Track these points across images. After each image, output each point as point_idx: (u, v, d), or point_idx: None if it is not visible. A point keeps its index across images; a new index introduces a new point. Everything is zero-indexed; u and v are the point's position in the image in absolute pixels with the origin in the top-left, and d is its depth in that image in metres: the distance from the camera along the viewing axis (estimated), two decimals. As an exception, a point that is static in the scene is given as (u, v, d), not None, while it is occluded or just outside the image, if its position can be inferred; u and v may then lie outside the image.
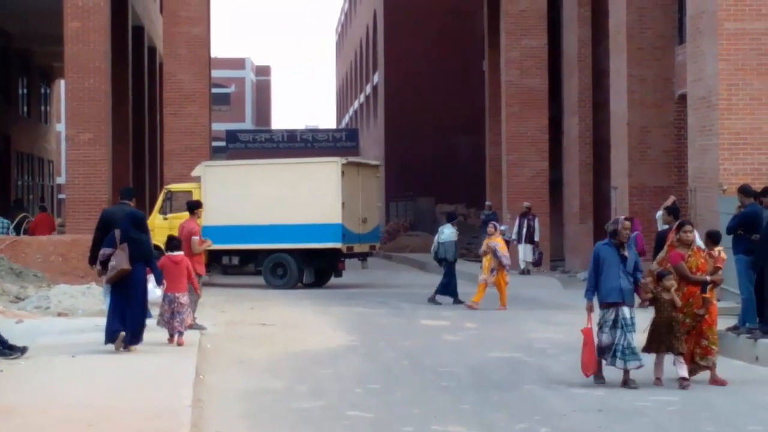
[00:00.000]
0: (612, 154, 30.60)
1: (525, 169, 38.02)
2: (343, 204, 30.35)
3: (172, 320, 16.76)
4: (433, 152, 61.63)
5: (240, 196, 30.45)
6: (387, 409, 12.60)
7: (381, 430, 11.54)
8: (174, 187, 32.79)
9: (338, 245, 30.43)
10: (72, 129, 33.96)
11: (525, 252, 34.52)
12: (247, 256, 31.42)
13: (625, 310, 14.19)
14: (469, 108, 58.68)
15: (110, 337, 15.84)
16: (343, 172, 30.56)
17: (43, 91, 61.71)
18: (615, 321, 14.15)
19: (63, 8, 33.73)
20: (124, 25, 41.25)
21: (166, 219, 31.29)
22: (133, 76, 43.93)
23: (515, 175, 38.09)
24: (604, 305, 14.29)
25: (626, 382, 14.01)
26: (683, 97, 27.15)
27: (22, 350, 14.89)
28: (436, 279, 36.20)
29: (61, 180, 62.99)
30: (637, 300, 14.68)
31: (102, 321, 17.53)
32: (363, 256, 32.41)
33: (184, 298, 16.96)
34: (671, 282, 14.44)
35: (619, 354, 14.02)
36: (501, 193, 39.46)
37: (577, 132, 36.26)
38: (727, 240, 19.43)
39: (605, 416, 12.17)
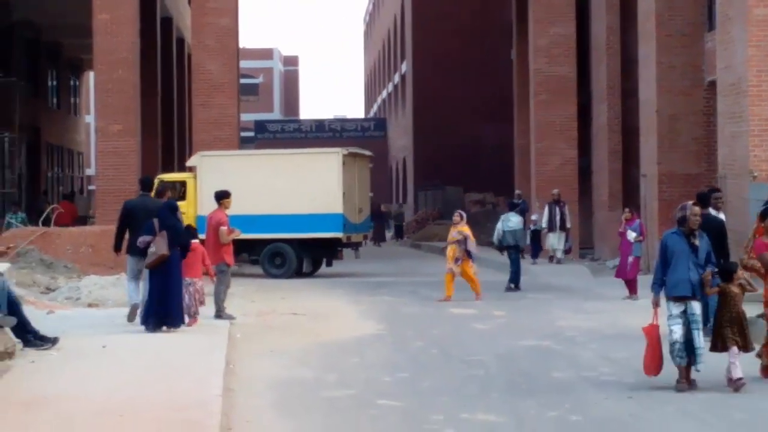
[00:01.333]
0: (641, 142, 30.49)
1: (554, 157, 37.89)
2: (343, 194, 30.42)
3: (192, 305, 17.90)
4: (462, 141, 61.59)
5: (237, 186, 30.08)
6: (416, 397, 12.61)
7: (410, 418, 11.55)
8: (167, 176, 32.65)
9: (339, 235, 30.52)
10: (101, 120, 34.09)
11: (557, 240, 33.80)
12: (243, 246, 31.04)
13: (695, 305, 13.20)
14: (497, 97, 58.56)
15: (149, 322, 16.92)
16: (343, 162, 30.61)
17: (72, 82, 61.95)
18: (683, 316, 13.14)
19: (92, 0, 33.85)
20: (153, 16, 41.38)
21: None
22: (162, 68, 44.08)
23: (544, 164, 37.98)
24: (672, 299, 13.24)
25: (682, 381, 12.99)
26: (713, 84, 27.01)
27: (53, 341, 14.96)
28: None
29: (90, 171, 63.24)
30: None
31: None
32: (357, 246, 32.61)
33: (199, 284, 18.17)
34: (738, 274, 13.57)
35: (682, 351, 13.02)
36: (530, 181, 39.36)
37: (605, 120, 36.12)
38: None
39: (636, 403, 12.14)
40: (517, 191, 39.80)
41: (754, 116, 22.86)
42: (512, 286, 26.31)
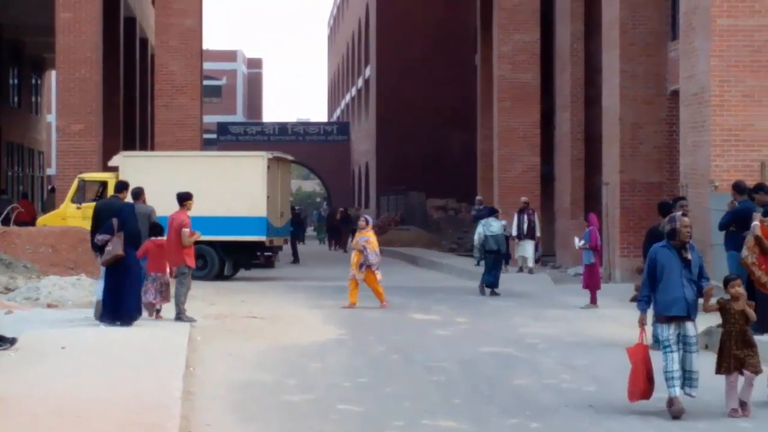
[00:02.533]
0: (604, 150, 30.58)
1: (516, 164, 38.01)
2: (267, 197, 30.40)
3: (154, 297, 18.93)
4: (425, 146, 61.69)
5: (160, 188, 29.96)
6: (377, 403, 12.58)
7: (370, 424, 11.51)
8: (87, 176, 32.48)
9: (262, 238, 30.47)
10: (62, 120, 33.93)
11: (525, 248, 32.47)
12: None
13: (689, 327, 12.11)
14: (460, 102, 58.71)
15: (105, 316, 17.80)
16: (268, 167, 30.60)
17: (34, 81, 61.59)
18: (676, 339, 12.08)
19: (55, -1, 33.66)
20: (116, 16, 41.19)
21: (79, 208, 30.87)
22: (125, 68, 43.87)
23: (506, 170, 38.07)
24: (664, 319, 12.13)
25: (672, 404, 11.92)
26: (675, 94, 27.14)
27: (12, 341, 14.83)
28: (426, 273, 36.33)
29: (51, 171, 62.86)
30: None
31: (91, 312, 18.77)
32: (278, 250, 32.65)
33: (164, 278, 19.06)
34: (739, 290, 12.35)
35: (678, 379, 12.00)
36: (492, 187, 39.43)
37: (569, 127, 36.24)
38: (718, 236, 19.47)
39: (596, 412, 12.15)
40: (478, 197, 39.89)
41: (716, 126, 22.97)
42: (493, 290, 26.43)
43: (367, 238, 23.30)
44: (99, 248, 18.32)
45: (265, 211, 30.26)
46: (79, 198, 31.25)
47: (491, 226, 26.98)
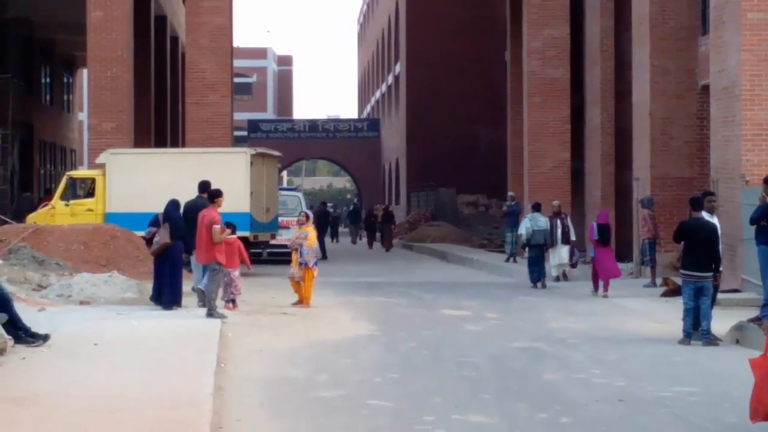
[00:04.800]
0: (634, 145, 30.51)
1: (547, 159, 37.91)
2: (251, 193, 30.41)
3: (226, 289, 20.54)
4: (455, 143, 61.66)
5: (145, 184, 30.09)
6: (407, 398, 12.61)
7: (401, 419, 11.55)
8: (76, 173, 32.64)
9: (246, 234, 30.45)
10: (94, 118, 34.08)
11: (561, 254, 29.43)
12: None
13: None
14: (490, 98, 58.68)
15: (153, 298, 20.25)
16: (251, 163, 30.62)
17: (65, 80, 61.90)
18: None
19: (86, -2, 33.81)
20: (147, 14, 41.36)
21: (67, 205, 31.05)
22: (156, 66, 44.04)
23: (537, 166, 37.99)
24: None
25: None
26: (706, 88, 27.03)
27: (45, 338, 14.94)
28: (456, 269, 36.35)
29: (83, 169, 63.14)
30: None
31: (123, 309, 19.52)
32: (264, 245, 32.60)
33: (235, 273, 20.62)
34: None
35: None
36: (523, 183, 39.38)
37: (599, 122, 36.16)
38: (749, 231, 19.42)
39: (626, 406, 12.15)
40: (510, 193, 39.80)
41: (747, 120, 22.87)
42: (543, 283, 27.31)
43: (306, 234, 22.57)
44: (148, 241, 20.49)
45: (249, 207, 30.21)
46: (67, 195, 31.46)
47: (538, 221, 27.80)
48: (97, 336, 15.92)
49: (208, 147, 33.56)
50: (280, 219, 33.30)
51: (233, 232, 20.75)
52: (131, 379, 12.54)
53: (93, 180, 31.19)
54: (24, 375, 12.79)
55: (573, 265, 29.80)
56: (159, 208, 20.71)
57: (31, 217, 31.68)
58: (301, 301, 22.32)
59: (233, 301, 20.84)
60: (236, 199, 29.61)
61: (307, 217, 23.34)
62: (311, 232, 22.85)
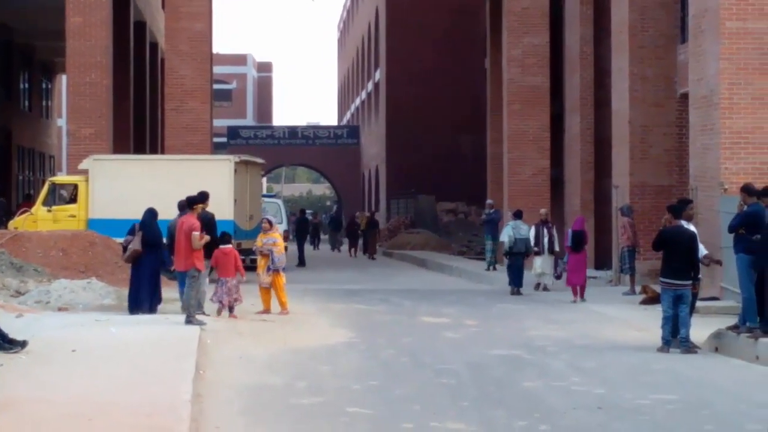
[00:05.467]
0: (613, 153, 30.59)
1: (526, 167, 37.99)
2: (234, 201, 30.40)
3: (224, 298, 20.74)
4: (435, 150, 61.69)
5: (128, 191, 30.05)
6: (386, 405, 12.60)
7: (380, 426, 11.53)
8: (58, 179, 32.65)
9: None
10: (73, 124, 34.00)
11: (544, 264, 28.52)
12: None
13: None
14: (470, 106, 58.73)
15: (129, 306, 20.40)
16: (235, 170, 30.62)
17: (44, 85, 61.72)
18: None
19: (65, 3, 33.76)
20: (126, 20, 41.25)
21: (49, 211, 31.01)
22: (135, 72, 43.94)
23: (516, 173, 38.07)
24: None
25: None
26: (685, 96, 27.14)
27: (23, 344, 14.86)
28: (436, 276, 36.37)
29: (62, 175, 62.99)
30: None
31: (101, 315, 19.34)
32: (247, 253, 32.59)
33: (232, 282, 20.82)
34: None
35: None
36: (502, 191, 39.43)
37: (578, 130, 36.25)
38: (728, 239, 19.47)
39: (605, 414, 12.16)
40: (488, 201, 39.85)
41: (726, 129, 22.96)
42: (519, 290, 27.68)
43: (274, 240, 22.45)
44: (125, 248, 20.68)
45: (233, 214, 30.18)
46: (49, 201, 31.40)
47: (521, 229, 28.07)
48: (75, 342, 15.85)
49: (187, 153, 33.51)
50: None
51: (229, 242, 21.38)
52: (109, 385, 12.49)
53: (76, 186, 31.12)
54: (1, 381, 12.71)
55: (558, 276, 28.66)
56: (142, 215, 20.86)
57: (13, 223, 31.58)
58: (268, 310, 22.17)
59: (231, 309, 20.98)
60: (220, 206, 29.55)
61: (270, 223, 22.98)
62: (278, 237, 22.77)
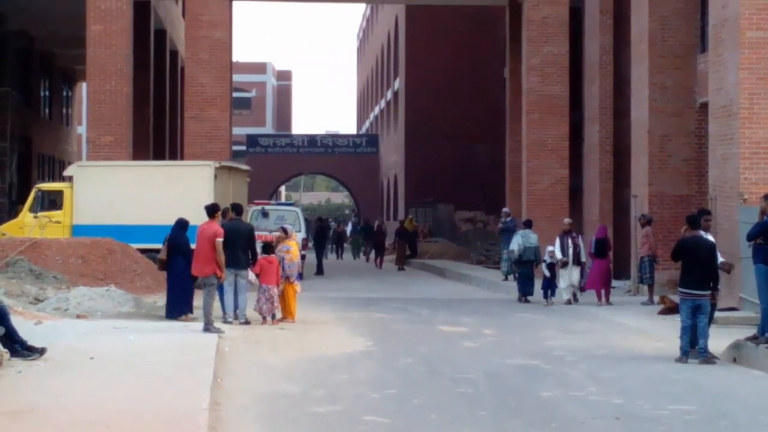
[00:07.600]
0: (632, 162, 30.54)
1: (545, 176, 37.92)
2: None
3: (265, 307, 21.28)
4: (453, 159, 61.67)
5: (112, 197, 30.23)
6: (403, 414, 12.59)
7: (397, 435, 11.52)
8: (44, 186, 32.78)
9: None
10: (93, 132, 34.13)
11: (572, 276, 27.70)
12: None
13: None
14: (489, 115, 58.69)
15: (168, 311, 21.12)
16: (215, 176, 30.65)
17: (64, 93, 61.94)
18: None
19: (86, 11, 33.90)
20: (147, 28, 41.41)
21: (36, 217, 31.12)
22: (155, 80, 44.09)
23: (535, 183, 38.01)
24: None
25: None
26: (704, 106, 27.07)
27: (41, 351, 14.92)
28: (454, 285, 36.33)
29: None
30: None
31: (119, 323, 19.49)
32: None
33: (274, 290, 21.40)
34: None
35: None
36: (521, 200, 39.37)
37: (597, 139, 36.18)
38: (746, 250, 19.41)
39: (623, 424, 12.13)
40: (505, 209, 39.77)
41: (745, 139, 22.90)
42: (527, 299, 28.05)
43: (288, 247, 22.39)
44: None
45: None
46: (36, 208, 31.51)
47: (530, 238, 28.49)
48: (93, 350, 15.90)
49: (193, 159, 33.65)
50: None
51: (273, 251, 21.94)
52: (127, 393, 12.52)
53: (61, 192, 31.28)
54: (20, 388, 12.76)
55: (582, 288, 27.96)
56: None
57: (2, 228, 31.74)
58: (285, 317, 22.14)
59: (273, 316, 21.54)
60: (199, 212, 29.66)
61: (286, 231, 23.04)
62: (293, 245, 22.72)
